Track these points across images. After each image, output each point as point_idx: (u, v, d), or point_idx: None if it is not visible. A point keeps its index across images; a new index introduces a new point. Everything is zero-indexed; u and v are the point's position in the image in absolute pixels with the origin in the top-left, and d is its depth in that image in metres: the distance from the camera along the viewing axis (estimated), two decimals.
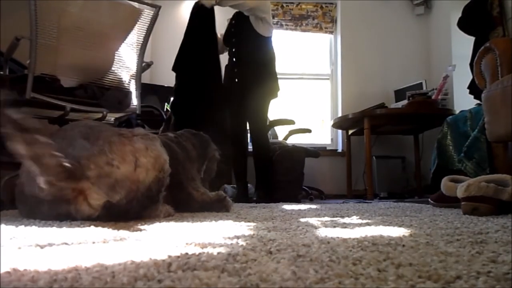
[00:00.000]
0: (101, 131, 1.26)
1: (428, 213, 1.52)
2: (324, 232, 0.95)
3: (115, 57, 2.31)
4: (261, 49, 2.99)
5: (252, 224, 1.17)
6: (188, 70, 2.93)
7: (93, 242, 0.78)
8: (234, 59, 3.03)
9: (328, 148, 4.61)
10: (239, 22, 3.01)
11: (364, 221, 1.23)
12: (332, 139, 4.77)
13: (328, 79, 4.86)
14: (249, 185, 3.19)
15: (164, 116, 3.21)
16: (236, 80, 2.99)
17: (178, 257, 0.62)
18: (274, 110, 4.11)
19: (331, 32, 4.79)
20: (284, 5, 4.71)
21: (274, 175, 3.08)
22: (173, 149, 1.60)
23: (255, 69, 2.94)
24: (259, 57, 2.97)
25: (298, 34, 4.84)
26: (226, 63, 3.14)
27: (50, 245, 0.74)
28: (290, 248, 0.70)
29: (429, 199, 1.99)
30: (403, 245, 0.73)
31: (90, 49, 2.17)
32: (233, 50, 3.05)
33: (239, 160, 3.08)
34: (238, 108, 3.03)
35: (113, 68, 2.31)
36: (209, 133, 1.96)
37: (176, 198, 1.54)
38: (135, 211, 1.25)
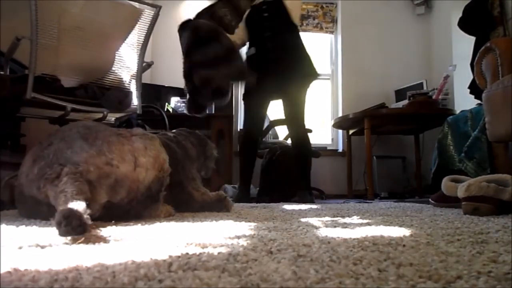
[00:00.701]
0: (100, 131, 1.26)
1: (428, 213, 1.52)
2: (325, 232, 0.95)
3: (116, 57, 2.31)
4: (297, 38, 2.87)
5: (253, 224, 1.17)
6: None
7: (94, 242, 0.78)
8: (266, 49, 2.82)
9: (328, 148, 4.62)
10: (272, 9, 2.83)
11: (365, 221, 1.23)
12: (332, 139, 4.77)
13: (328, 79, 4.85)
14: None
15: (165, 116, 3.20)
16: (268, 72, 2.80)
17: (179, 257, 0.62)
18: (275, 110, 4.10)
19: (331, 32, 4.79)
20: None
21: (275, 175, 3.08)
22: (172, 148, 1.60)
23: (292, 59, 2.79)
24: (296, 47, 2.84)
25: None
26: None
27: (51, 245, 0.74)
28: (291, 248, 0.70)
29: (430, 199, 1.99)
30: (404, 245, 0.73)
31: (91, 49, 2.17)
32: (265, 38, 2.83)
33: (248, 159, 2.93)
34: (258, 104, 2.89)
35: (113, 68, 2.31)
36: None
37: (176, 198, 1.54)
38: (136, 211, 1.25)
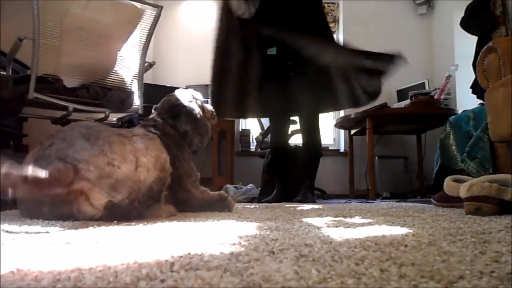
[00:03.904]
0: (101, 131, 1.26)
1: (430, 213, 1.52)
2: (327, 232, 0.95)
3: (118, 57, 2.32)
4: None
5: (255, 224, 1.17)
6: None
7: (96, 242, 0.78)
8: (287, 54, 2.68)
9: (330, 148, 4.61)
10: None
11: (367, 221, 1.23)
12: (334, 139, 4.76)
13: None
14: (251, 185, 3.18)
15: None
16: (290, 74, 2.69)
17: (181, 257, 0.62)
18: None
19: (333, 32, 4.78)
20: None
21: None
22: (167, 143, 1.55)
23: (313, 63, 2.62)
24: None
25: None
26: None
27: (53, 245, 0.74)
28: (293, 248, 0.70)
29: (432, 199, 1.98)
30: (406, 245, 0.73)
31: (93, 49, 2.18)
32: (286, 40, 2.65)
33: (279, 170, 2.92)
34: (284, 110, 2.84)
35: (115, 68, 2.32)
36: None
37: (176, 195, 1.53)
38: (137, 211, 1.25)
